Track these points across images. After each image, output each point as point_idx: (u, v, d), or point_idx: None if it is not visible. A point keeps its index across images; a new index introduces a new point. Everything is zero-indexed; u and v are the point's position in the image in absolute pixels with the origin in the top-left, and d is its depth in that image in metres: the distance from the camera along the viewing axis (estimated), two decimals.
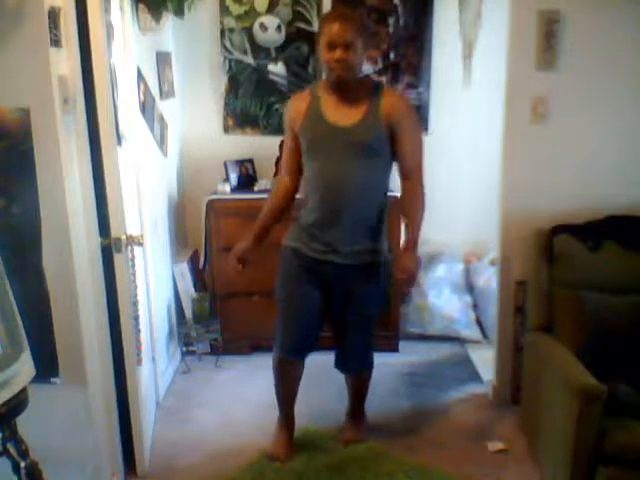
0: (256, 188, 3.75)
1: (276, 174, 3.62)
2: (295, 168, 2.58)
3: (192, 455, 2.82)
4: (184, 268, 3.78)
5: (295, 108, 2.51)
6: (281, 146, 3.26)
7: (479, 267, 4.02)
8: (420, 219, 2.54)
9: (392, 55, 3.89)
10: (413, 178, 2.54)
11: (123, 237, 2.36)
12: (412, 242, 2.49)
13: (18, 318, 1.77)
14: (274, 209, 2.62)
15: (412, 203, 2.56)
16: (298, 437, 2.85)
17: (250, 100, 3.91)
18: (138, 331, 2.60)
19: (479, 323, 3.97)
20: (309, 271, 2.53)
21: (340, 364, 2.76)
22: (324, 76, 2.58)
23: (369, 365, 2.79)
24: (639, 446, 2.24)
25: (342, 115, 2.40)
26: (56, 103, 2.03)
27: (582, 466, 2.29)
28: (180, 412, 3.18)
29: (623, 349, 2.51)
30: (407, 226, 2.57)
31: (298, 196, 2.63)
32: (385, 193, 2.57)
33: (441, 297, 3.95)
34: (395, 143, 2.44)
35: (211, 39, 3.87)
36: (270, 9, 3.79)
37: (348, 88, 2.40)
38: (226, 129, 3.98)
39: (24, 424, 1.81)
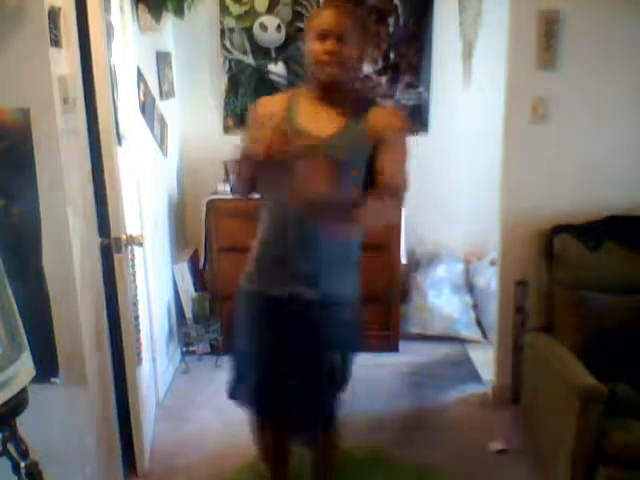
0: None
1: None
2: None
3: (192, 455, 2.82)
4: (184, 268, 3.78)
5: (266, 109, 2.06)
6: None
7: (479, 267, 4.02)
8: (375, 211, 1.97)
9: (392, 55, 3.88)
10: (387, 193, 1.97)
11: (123, 237, 2.36)
12: (348, 202, 1.90)
13: (18, 318, 1.77)
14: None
15: (377, 200, 1.96)
16: None
17: (250, 100, 3.91)
18: (138, 331, 2.61)
19: (479, 323, 3.97)
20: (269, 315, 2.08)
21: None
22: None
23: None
24: (639, 446, 2.24)
25: (319, 123, 1.98)
26: (56, 103, 2.03)
27: (582, 466, 2.29)
28: (180, 412, 3.18)
29: (623, 349, 2.51)
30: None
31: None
32: None
33: (441, 297, 3.95)
34: (375, 160, 1.98)
35: (211, 39, 3.87)
36: (270, 9, 3.79)
37: (334, 91, 1.98)
38: (226, 129, 3.98)
39: (24, 424, 1.81)
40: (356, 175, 1.99)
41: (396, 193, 2.01)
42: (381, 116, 2.01)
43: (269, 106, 2.08)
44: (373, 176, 2.00)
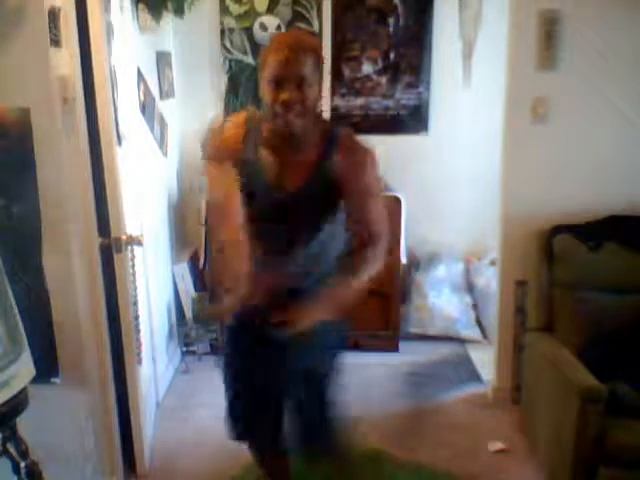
0: None
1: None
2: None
3: (192, 455, 2.82)
4: (184, 268, 3.78)
5: (230, 140, 1.84)
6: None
7: (479, 267, 4.02)
8: (356, 276, 1.83)
9: (392, 55, 3.89)
10: (368, 243, 1.85)
11: (123, 237, 2.36)
12: (329, 295, 1.80)
13: (18, 318, 1.77)
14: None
15: (356, 261, 1.85)
16: None
17: (250, 100, 3.91)
18: (138, 331, 2.60)
19: (479, 323, 3.97)
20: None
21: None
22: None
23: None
24: (639, 446, 2.24)
25: (284, 173, 1.80)
26: (56, 103, 2.03)
27: (582, 466, 2.28)
28: (180, 412, 3.18)
29: (623, 349, 2.51)
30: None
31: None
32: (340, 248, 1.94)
33: (441, 297, 3.95)
34: (348, 204, 1.84)
35: (211, 39, 3.87)
36: (270, 9, 3.79)
37: (294, 136, 1.78)
38: None
39: (24, 424, 1.81)
40: (333, 215, 1.85)
41: (381, 240, 1.86)
42: (349, 158, 1.80)
43: (227, 143, 1.85)
44: (348, 220, 1.86)
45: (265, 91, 1.72)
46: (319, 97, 1.78)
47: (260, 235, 1.80)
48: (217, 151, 1.87)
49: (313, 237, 1.84)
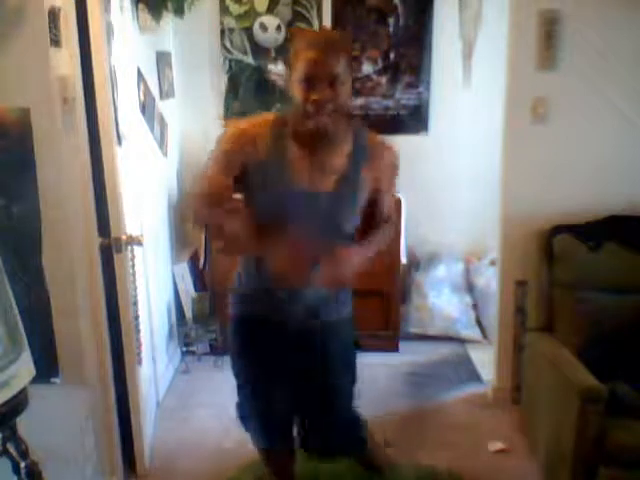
0: None
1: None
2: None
3: (192, 455, 2.82)
4: (184, 268, 3.78)
5: (250, 142, 1.79)
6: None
7: (479, 267, 4.02)
8: (376, 241, 1.94)
9: (392, 55, 3.89)
10: (380, 224, 1.97)
11: (123, 237, 2.36)
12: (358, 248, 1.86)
13: (18, 318, 1.77)
14: None
15: (372, 231, 1.95)
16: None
17: (250, 100, 3.91)
18: (138, 331, 2.60)
19: (479, 323, 3.97)
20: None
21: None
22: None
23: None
24: (639, 446, 2.24)
25: (314, 174, 1.78)
26: (56, 103, 2.02)
27: (582, 466, 2.28)
28: (180, 412, 3.18)
29: (623, 349, 2.51)
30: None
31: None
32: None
33: (441, 297, 3.95)
34: (372, 200, 1.91)
35: (211, 39, 3.87)
36: (270, 9, 3.79)
37: (326, 136, 1.75)
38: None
39: (24, 424, 1.81)
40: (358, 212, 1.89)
41: (391, 220, 2.00)
42: (378, 158, 1.84)
43: (249, 137, 1.80)
44: (366, 210, 1.90)
45: (296, 91, 1.69)
46: (350, 95, 1.76)
47: (278, 235, 1.76)
48: (236, 139, 1.83)
49: (339, 235, 1.85)
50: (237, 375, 2.07)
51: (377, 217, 1.95)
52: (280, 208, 1.78)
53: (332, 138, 1.77)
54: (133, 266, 2.49)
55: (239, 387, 2.09)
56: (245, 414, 2.11)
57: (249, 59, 3.88)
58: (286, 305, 1.89)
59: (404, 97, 3.92)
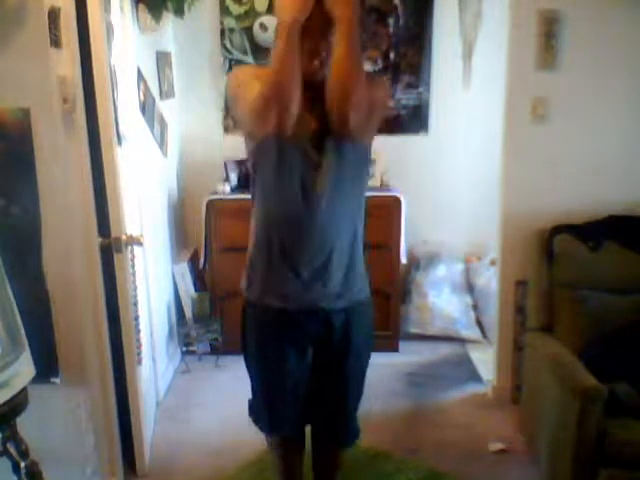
0: None
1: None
2: None
3: (192, 455, 2.82)
4: (184, 268, 3.78)
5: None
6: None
7: (479, 267, 4.02)
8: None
9: (392, 55, 3.89)
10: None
11: (123, 237, 2.36)
12: None
13: (18, 318, 1.77)
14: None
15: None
16: None
17: None
18: (138, 331, 2.61)
19: (479, 323, 3.97)
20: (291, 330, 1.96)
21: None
22: None
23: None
24: (639, 446, 2.24)
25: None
26: (56, 103, 2.03)
27: (582, 466, 2.28)
28: (180, 412, 3.18)
29: (623, 349, 2.51)
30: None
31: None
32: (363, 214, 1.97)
33: (441, 297, 3.95)
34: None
35: (211, 39, 3.87)
36: (270, 9, 3.78)
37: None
38: (226, 129, 3.98)
39: (24, 424, 1.81)
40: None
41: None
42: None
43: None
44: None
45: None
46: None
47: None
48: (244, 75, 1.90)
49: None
50: (250, 367, 2.09)
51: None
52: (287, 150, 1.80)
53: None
54: (133, 266, 2.50)
55: (252, 378, 2.11)
56: (259, 403, 2.14)
57: (249, 59, 3.88)
58: (309, 286, 1.87)
59: (404, 97, 3.92)
